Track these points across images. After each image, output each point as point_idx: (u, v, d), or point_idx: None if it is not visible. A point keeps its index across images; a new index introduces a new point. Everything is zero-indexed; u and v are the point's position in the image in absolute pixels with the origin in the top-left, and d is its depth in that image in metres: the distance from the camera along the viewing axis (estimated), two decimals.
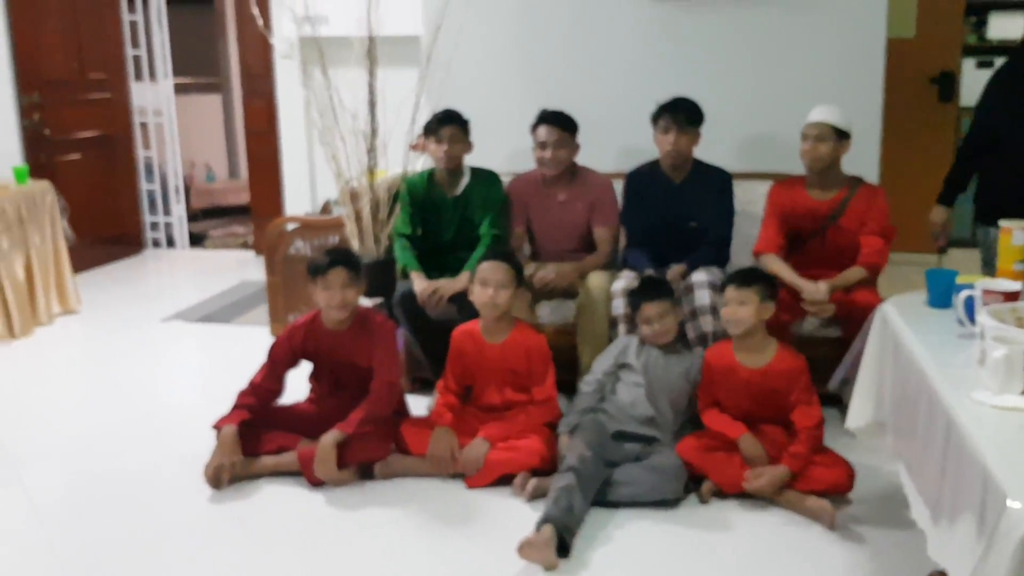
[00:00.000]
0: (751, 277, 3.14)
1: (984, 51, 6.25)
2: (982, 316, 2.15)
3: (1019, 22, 6.15)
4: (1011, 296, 2.29)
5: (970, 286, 2.37)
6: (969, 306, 2.34)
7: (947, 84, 5.89)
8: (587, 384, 3.35)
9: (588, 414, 3.23)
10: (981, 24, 6.25)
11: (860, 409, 2.65)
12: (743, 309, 3.08)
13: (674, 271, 3.66)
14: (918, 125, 5.91)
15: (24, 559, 2.80)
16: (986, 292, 2.31)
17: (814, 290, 3.42)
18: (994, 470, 1.69)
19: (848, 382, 2.83)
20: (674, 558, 2.74)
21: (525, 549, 2.62)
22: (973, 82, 6.12)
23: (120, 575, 2.71)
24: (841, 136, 3.55)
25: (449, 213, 3.99)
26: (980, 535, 1.69)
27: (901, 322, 2.49)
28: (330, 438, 3.17)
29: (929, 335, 2.38)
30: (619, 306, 3.58)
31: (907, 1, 5.76)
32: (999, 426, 1.87)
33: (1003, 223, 2.63)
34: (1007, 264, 2.60)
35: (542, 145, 3.88)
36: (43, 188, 5.21)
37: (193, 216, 7.79)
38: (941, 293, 2.56)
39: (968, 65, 6.12)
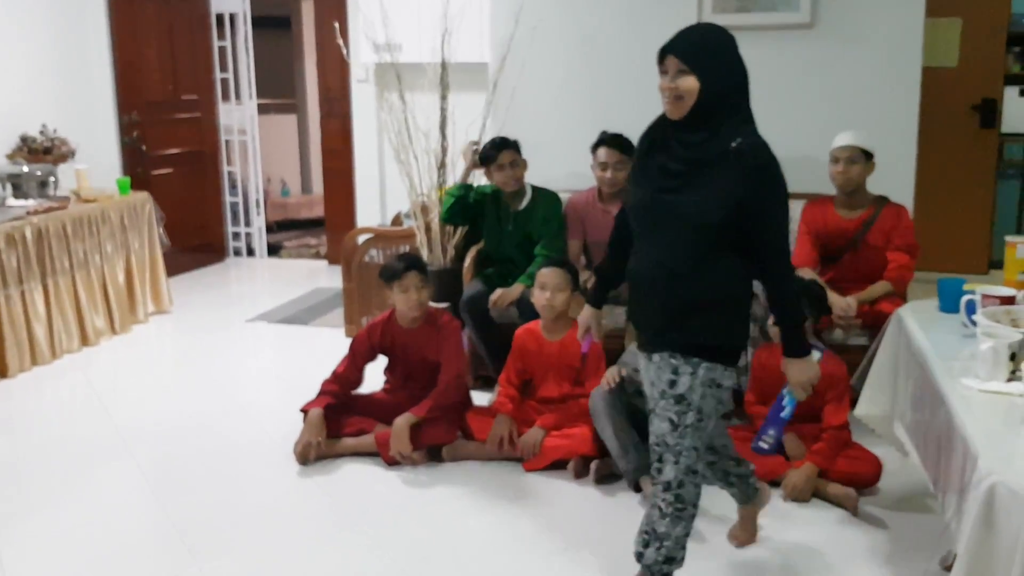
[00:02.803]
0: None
1: None
2: (978, 316, 2.47)
3: None
4: (1007, 300, 2.59)
5: (972, 292, 2.68)
6: (970, 309, 2.65)
7: (988, 111, 6.10)
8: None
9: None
10: None
11: (870, 400, 2.96)
12: None
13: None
14: (959, 151, 6.13)
15: (141, 521, 3.23)
16: (985, 297, 2.62)
17: (845, 305, 3.68)
18: (972, 440, 2.00)
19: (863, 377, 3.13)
20: (707, 535, 3.04)
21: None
22: (1016, 109, 6.35)
23: (224, 535, 3.10)
24: (868, 157, 3.84)
25: (511, 227, 4.34)
26: (961, 492, 2.01)
27: (914, 324, 2.80)
28: (404, 419, 3.56)
29: (937, 334, 2.68)
30: None
31: (950, 32, 6.00)
32: (984, 407, 2.18)
33: (1009, 238, 2.94)
34: (1012, 275, 2.90)
35: (603, 166, 4.18)
36: (143, 199, 5.71)
37: (268, 228, 8.28)
38: (950, 299, 2.85)
39: (1011, 93, 6.33)
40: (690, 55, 2.27)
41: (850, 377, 3.31)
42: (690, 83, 2.26)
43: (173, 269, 6.36)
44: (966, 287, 2.79)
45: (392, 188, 6.27)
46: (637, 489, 3.30)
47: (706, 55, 2.28)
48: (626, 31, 4.75)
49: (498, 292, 4.12)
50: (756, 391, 3.53)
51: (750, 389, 3.57)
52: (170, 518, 3.21)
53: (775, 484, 3.31)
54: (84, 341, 5.13)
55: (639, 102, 4.80)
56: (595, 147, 4.23)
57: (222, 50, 7.33)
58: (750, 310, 2.44)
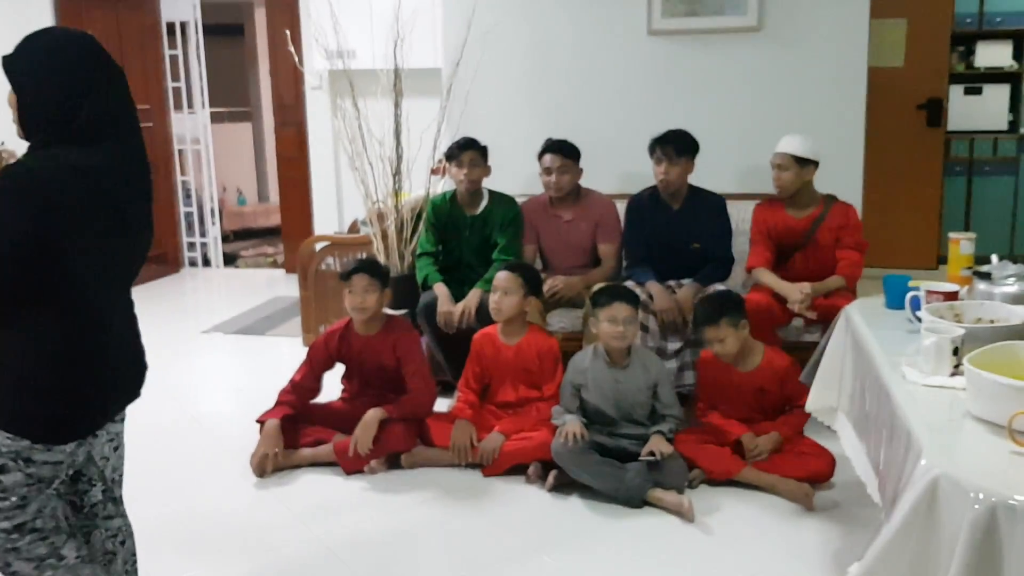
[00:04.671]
0: (718, 312, 3.45)
1: (971, 79, 6.59)
2: (922, 312, 2.52)
3: (1005, 50, 6.50)
4: (950, 296, 2.64)
5: (917, 288, 2.73)
6: (915, 304, 2.70)
7: (935, 110, 6.23)
8: (564, 388, 3.60)
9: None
10: (968, 53, 6.58)
11: (819, 394, 3.01)
12: (726, 344, 3.43)
13: (687, 291, 3.97)
14: (907, 149, 6.25)
15: None
16: (929, 292, 2.67)
17: (797, 291, 3.75)
18: (916, 433, 2.04)
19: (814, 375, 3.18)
20: (666, 533, 3.09)
21: None
22: (961, 107, 6.48)
23: (178, 550, 3.05)
24: (803, 163, 3.89)
25: (468, 232, 4.35)
26: (901, 484, 2.04)
27: (860, 320, 2.84)
28: (374, 413, 3.55)
29: (883, 330, 2.72)
30: None
31: (896, 32, 6.12)
32: (926, 401, 2.22)
33: (952, 234, 3.00)
34: (955, 270, 2.96)
35: (547, 171, 4.24)
36: None
37: (225, 237, 8.22)
38: (896, 295, 2.89)
39: (956, 92, 6.47)
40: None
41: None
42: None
43: None
44: (911, 283, 2.84)
45: (349, 195, 6.27)
46: (641, 506, 3.27)
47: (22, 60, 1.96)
48: (577, 36, 4.78)
49: (446, 309, 4.08)
50: (705, 400, 3.61)
51: (699, 398, 3.64)
52: None
53: (732, 483, 3.36)
54: None
55: (588, 106, 4.89)
56: (540, 154, 4.28)
57: (173, 59, 7.27)
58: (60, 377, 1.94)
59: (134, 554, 2.37)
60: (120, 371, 2.10)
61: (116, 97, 1.99)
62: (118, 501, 2.34)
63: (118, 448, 2.30)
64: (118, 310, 2.09)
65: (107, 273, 2.01)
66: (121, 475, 2.32)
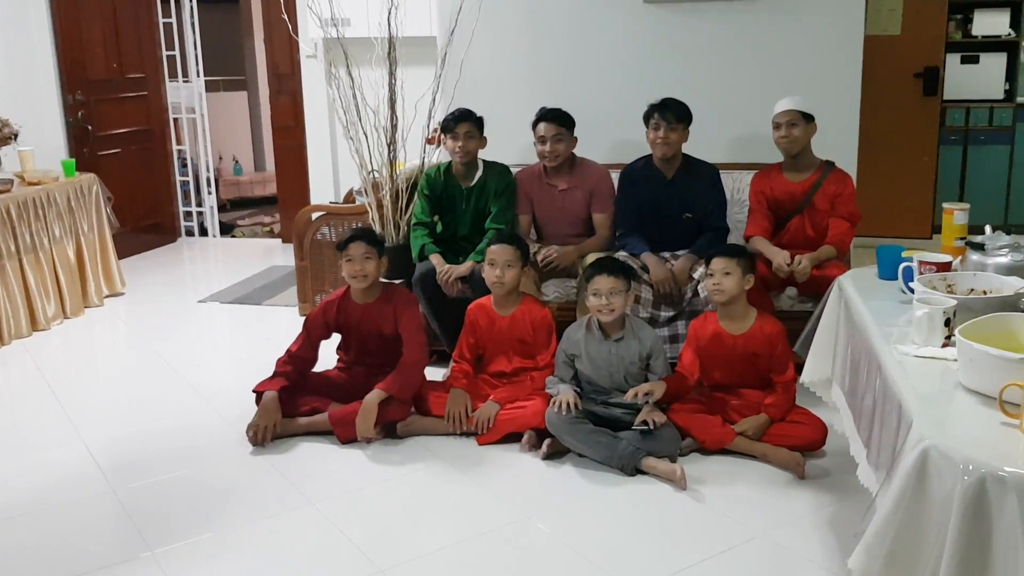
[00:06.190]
0: (735, 251, 3.50)
1: (968, 47, 6.57)
2: (915, 283, 2.53)
3: (1002, 19, 6.46)
4: (943, 266, 2.65)
5: (910, 259, 2.74)
6: (908, 275, 2.71)
7: (931, 78, 6.20)
8: (558, 358, 3.63)
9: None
10: (966, 21, 6.54)
11: (814, 366, 3.03)
12: (728, 279, 3.42)
13: (683, 262, 3.98)
14: (903, 118, 6.23)
15: (93, 503, 3.21)
16: (922, 263, 2.68)
17: (782, 256, 3.81)
18: (907, 404, 2.06)
19: (809, 345, 3.20)
20: (658, 501, 3.12)
21: None
22: (958, 76, 6.46)
23: (176, 519, 3.08)
24: (808, 120, 3.95)
25: (464, 203, 4.34)
26: (893, 456, 2.06)
27: (853, 291, 2.85)
28: (374, 396, 3.56)
29: (875, 301, 2.73)
30: None
31: (893, 0, 6.08)
32: (919, 373, 2.24)
33: (946, 205, 3.00)
34: (949, 240, 2.96)
35: (541, 140, 4.23)
36: (89, 180, 5.63)
37: (222, 207, 8.21)
38: (889, 266, 2.90)
39: (952, 60, 6.44)
40: None
41: (789, 340, 3.40)
42: None
43: (124, 251, 6.29)
44: (904, 254, 2.85)
45: (345, 165, 6.23)
46: (634, 474, 3.29)
47: None
48: (572, 5, 4.75)
49: (445, 267, 4.12)
50: (694, 360, 3.55)
51: (686, 352, 3.59)
52: (121, 503, 3.20)
53: (725, 452, 3.39)
54: (34, 326, 5.07)
55: (583, 74, 4.87)
56: (535, 123, 4.26)
57: (167, 27, 7.22)
58: None
59: None
60: None
61: None
62: None
63: None
64: None
65: None
66: None
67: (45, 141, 6.07)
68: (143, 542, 2.92)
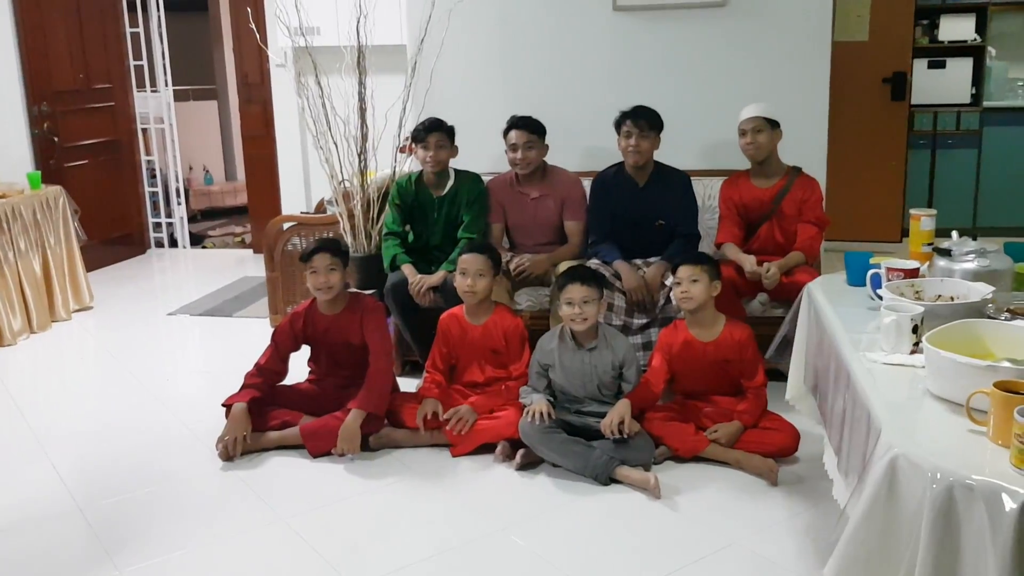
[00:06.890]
0: (700, 258, 3.50)
1: (935, 52, 6.63)
2: (883, 289, 2.54)
3: (968, 24, 6.53)
4: (911, 273, 2.67)
5: (878, 265, 2.75)
6: (876, 282, 2.72)
7: (899, 84, 6.25)
8: (532, 368, 3.62)
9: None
10: (932, 27, 6.61)
11: (795, 380, 3.04)
12: (695, 287, 3.42)
13: (655, 270, 3.98)
14: (871, 123, 6.28)
15: (59, 523, 3.15)
16: (890, 270, 2.69)
17: (750, 262, 3.84)
18: (876, 412, 2.06)
19: (782, 351, 3.20)
20: (633, 510, 3.11)
21: None
22: (925, 81, 6.52)
23: (144, 536, 3.03)
24: (773, 126, 3.98)
25: (436, 212, 4.32)
26: (864, 463, 2.06)
27: (823, 298, 2.86)
28: (354, 417, 3.52)
29: (844, 308, 2.75)
30: None
31: (860, 7, 6.13)
32: (886, 379, 2.24)
33: (913, 211, 3.02)
34: (916, 246, 2.99)
35: (513, 147, 4.22)
36: (55, 192, 5.56)
37: (192, 217, 8.14)
38: (857, 272, 2.91)
39: (920, 65, 6.50)
40: None
41: (760, 346, 3.43)
42: None
43: (93, 263, 6.22)
44: (872, 260, 2.86)
45: (316, 174, 6.20)
46: (608, 483, 3.27)
47: None
48: (542, 13, 4.75)
49: (417, 277, 4.10)
50: (662, 366, 3.54)
51: (655, 357, 3.58)
52: (88, 522, 3.14)
53: (698, 459, 3.39)
54: (0, 341, 4.99)
55: (554, 82, 4.86)
56: (506, 131, 4.26)
57: (135, 36, 7.16)
58: None
59: None
60: None
61: None
62: None
63: None
64: None
65: None
66: None
67: (10, 153, 5.99)
68: (111, 562, 2.87)
